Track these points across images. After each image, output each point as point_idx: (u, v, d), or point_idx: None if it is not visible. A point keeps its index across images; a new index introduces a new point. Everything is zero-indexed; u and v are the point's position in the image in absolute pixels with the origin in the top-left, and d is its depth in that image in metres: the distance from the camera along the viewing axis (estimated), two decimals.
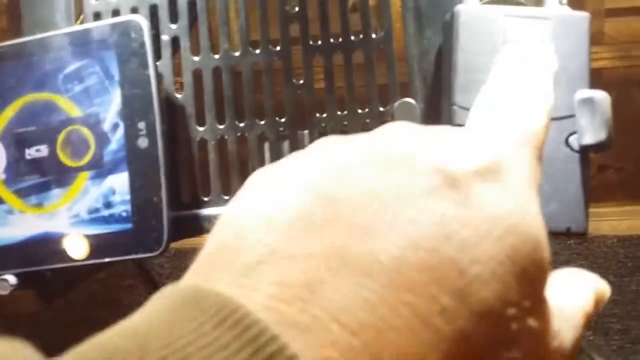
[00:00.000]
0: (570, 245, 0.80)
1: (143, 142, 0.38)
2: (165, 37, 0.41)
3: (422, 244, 0.15)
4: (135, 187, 0.38)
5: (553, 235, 0.36)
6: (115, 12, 0.42)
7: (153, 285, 0.84)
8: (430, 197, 0.16)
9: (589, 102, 0.35)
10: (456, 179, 0.17)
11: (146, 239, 0.38)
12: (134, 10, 0.41)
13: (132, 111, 0.38)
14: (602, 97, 0.35)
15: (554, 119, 0.36)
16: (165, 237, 0.37)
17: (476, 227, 0.16)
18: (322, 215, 0.16)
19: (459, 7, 0.35)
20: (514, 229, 0.16)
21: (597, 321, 0.80)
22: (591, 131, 0.34)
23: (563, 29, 0.35)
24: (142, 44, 0.38)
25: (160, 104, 0.38)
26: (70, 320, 0.87)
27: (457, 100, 0.35)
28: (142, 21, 0.39)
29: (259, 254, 0.15)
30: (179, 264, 0.85)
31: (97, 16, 0.42)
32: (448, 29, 0.36)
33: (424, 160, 0.17)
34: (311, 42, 0.40)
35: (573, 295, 0.20)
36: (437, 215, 0.16)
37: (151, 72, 0.38)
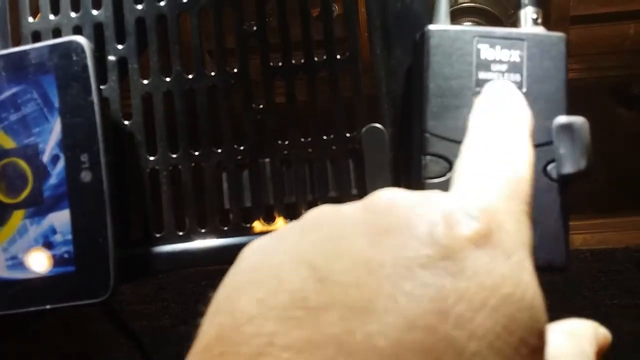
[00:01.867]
0: None
1: (86, 176, 0.35)
2: (111, 58, 0.38)
3: (419, 322, 0.15)
4: (77, 226, 0.34)
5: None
6: (56, 32, 0.38)
7: (114, 313, 0.80)
8: (426, 270, 0.16)
9: (567, 128, 0.32)
10: (450, 248, 0.17)
11: (91, 283, 0.34)
12: (77, 29, 0.38)
13: (74, 142, 0.35)
14: (581, 123, 0.33)
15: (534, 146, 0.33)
16: (112, 281, 0.34)
17: (471, 300, 0.16)
18: (318, 298, 0.16)
19: (431, 28, 0.33)
20: (510, 298, 0.16)
21: None
22: (571, 160, 0.32)
23: (538, 50, 0.33)
24: (85, 67, 0.35)
25: (105, 133, 0.35)
26: (28, 352, 0.82)
27: (429, 127, 0.32)
28: (84, 42, 0.35)
29: (258, 345, 0.16)
30: (139, 290, 0.81)
31: (35, 36, 0.38)
32: (418, 50, 0.34)
33: (417, 230, 0.17)
34: (272, 64, 0.37)
35: (576, 346, 0.22)
36: (433, 290, 0.16)
37: (94, 98, 0.35)
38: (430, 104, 0.33)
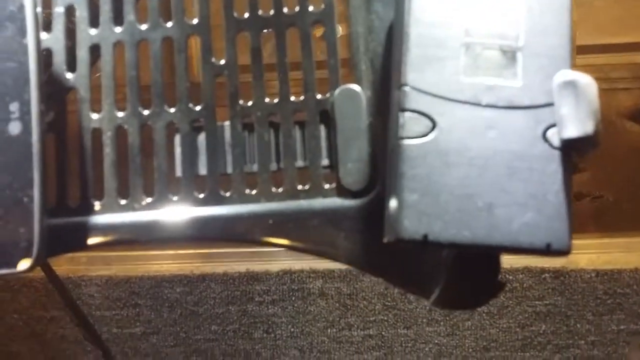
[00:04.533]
0: (545, 279, 0.73)
1: (15, 128, 0.30)
2: (58, 9, 0.34)
3: None
4: (1, 183, 0.30)
5: (530, 252, 0.28)
6: None
7: (81, 318, 0.75)
8: None
9: (571, 86, 0.28)
10: None
11: (9, 250, 0.29)
12: None
13: (2, 89, 0.30)
14: (587, 81, 0.28)
15: (528, 107, 0.29)
16: (35, 248, 0.29)
17: None
18: None
19: None
20: None
21: None
22: (575, 122, 0.27)
23: (538, 0, 0.29)
24: (21, 7, 0.31)
25: (41, 82, 0.30)
26: None
27: (409, 80, 0.28)
28: None
29: None
30: (110, 294, 0.76)
31: None
32: (400, 1, 0.29)
33: None
34: (236, 15, 0.33)
35: None
36: None
37: (30, 40, 0.30)
38: (411, 55, 0.28)
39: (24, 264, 0.29)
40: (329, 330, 0.76)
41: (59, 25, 0.34)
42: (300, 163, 0.32)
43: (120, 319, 0.77)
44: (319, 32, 0.33)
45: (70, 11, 0.34)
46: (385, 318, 0.75)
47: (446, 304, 0.31)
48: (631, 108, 0.85)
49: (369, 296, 0.75)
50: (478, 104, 0.28)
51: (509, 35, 0.28)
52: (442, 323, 0.74)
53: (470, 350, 0.73)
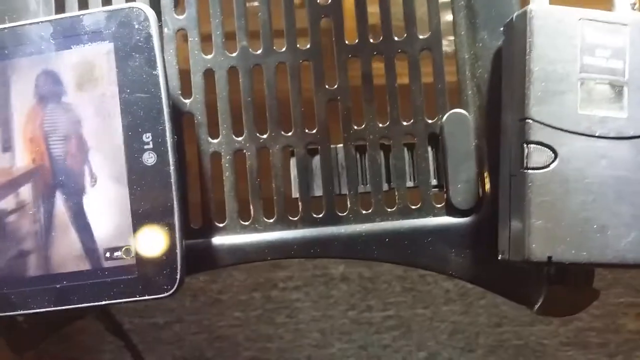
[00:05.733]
0: None
1: (150, 158, 0.31)
2: (168, 31, 0.34)
3: None
4: (138, 212, 0.31)
5: (635, 267, 0.32)
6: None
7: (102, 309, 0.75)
8: None
9: None
10: None
11: (155, 276, 0.30)
12: None
13: (135, 121, 0.31)
14: None
15: (633, 137, 0.32)
16: (179, 274, 0.30)
17: None
18: None
19: (532, 8, 0.31)
20: None
21: (577, 335, 0.79)
22: None
23: None
24: (148, 37, 0.31)
25: (170, 111, 0.31)
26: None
27: (532, 113, 0.30)
28: (147, 9, 0.31)
29: None
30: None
31: (82, 3, 0.34)
32: (515, 32, 0.32)
33: None
34: (347, 42, 0.34)
35: None
36: None
37: (159, 71, 0.31)
38: (535, 89, 0.30)
39: (168, 290, 0.31)
40: (349, 313, 0.79)
41: (170, 49, 0.34)
42: (410, 183, 0.34)
43: (142, 309, 0.78)
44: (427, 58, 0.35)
45: (181, 34, 0.34)
46: (404, 299, 0.78)
47: (549, 312, 0.34)
48: None
49: (389, 279, 0.78)
50: (592, 135, 0.31)
51: (617, 70, 0.31)
52: (457, 302, 0.78)
53: (484, 326, 0.78)
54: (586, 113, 0.31)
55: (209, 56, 0.34)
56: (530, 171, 0.30)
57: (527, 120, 0.30)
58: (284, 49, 0.34)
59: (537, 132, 0.30)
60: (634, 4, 0.33)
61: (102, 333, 0.81)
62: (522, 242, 0.30)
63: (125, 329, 0.81)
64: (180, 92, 0.34)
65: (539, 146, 0.30)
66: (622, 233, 0.31)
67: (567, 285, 0.33)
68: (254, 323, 0.79)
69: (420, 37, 0.34)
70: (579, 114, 0.31)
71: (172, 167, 0.31)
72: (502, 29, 0.33)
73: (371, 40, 0.34)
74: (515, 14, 0.32)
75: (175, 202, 0.30)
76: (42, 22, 0.32)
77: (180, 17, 0.34)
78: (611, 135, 0.31)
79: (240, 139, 0.34)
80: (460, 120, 0.34)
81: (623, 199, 0.31)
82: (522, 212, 0.30)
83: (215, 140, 0.34)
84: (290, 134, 0.34)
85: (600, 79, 0.31)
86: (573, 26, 0.31)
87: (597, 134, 0.31)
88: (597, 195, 0.30)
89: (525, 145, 0.30)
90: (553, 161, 0.30)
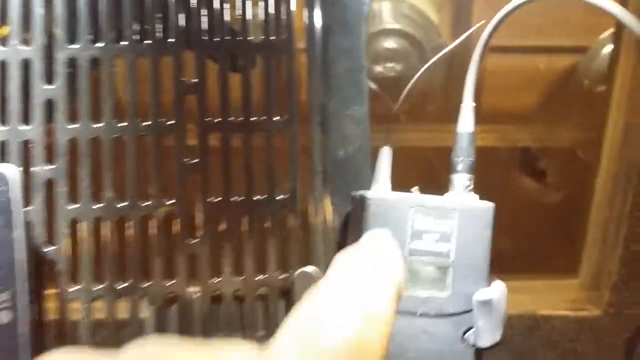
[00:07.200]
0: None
1: (5, 317, 0.33)
2: (37, 176, 0.36)
3: None
4: None
5: None
6: None
7: None
8: None
9: (487, 304, 0.34)
10: None
11: None
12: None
13: None
14: (500, 295, 0.35)
15: (452, 314, 0.35)
16: None
17: None
18: None
19: (369, 196, 0.34)
20: None
21: None
22: (488, 333, 0.34)
23: (468, 220, 0.35)
24: (8, 201, 0.33)
25: (30, 270, 0.33)
26: None
27: None
28: (10, 171, 0.33)
29: None
30: None
31: None
32: (357, 211, 0.35)
33: None
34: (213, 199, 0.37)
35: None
36: None
37: (17, 234, 0.33)
38: None
39: None
40: None
41: (38, 199, 0.36)
42: (261, 332, 0.37)
43: None
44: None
45: (49, 185, 0.36)
46: None
47: None
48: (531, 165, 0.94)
49: None
50: (414, 314, 0.34)
51: (443, 253, 0.35)
52: None
53: None
54: (410, 294, 0.34)
55: (76, 205, 0.36)
56: None
57: None
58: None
59: None
60: (468, 185, 0.37)
61: None
62: None
63: None
64: (45, 239, 0.36)
65: None
66: None
67: None
68: None
69: (277, 198, 0.37)
70: (404, 295, 0.34)
71: (25, 327, 0.33)
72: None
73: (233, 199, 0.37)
74: (358, 194, 0.35)
75: None
76: None
77: (49, 166, 0.36)
78: (432, 313, 0.34)
79: (100, 287, 0.36)
80: (309, 279, 0.37)
81: None
82: None
83: (74, 288, 0.36)
84: (149, 284, 0.37)
85: (426, 262, 0.34)
86: (405, 213, 0.34)
87: (418, 314, 0.34)
88: None
89: None
90: None
